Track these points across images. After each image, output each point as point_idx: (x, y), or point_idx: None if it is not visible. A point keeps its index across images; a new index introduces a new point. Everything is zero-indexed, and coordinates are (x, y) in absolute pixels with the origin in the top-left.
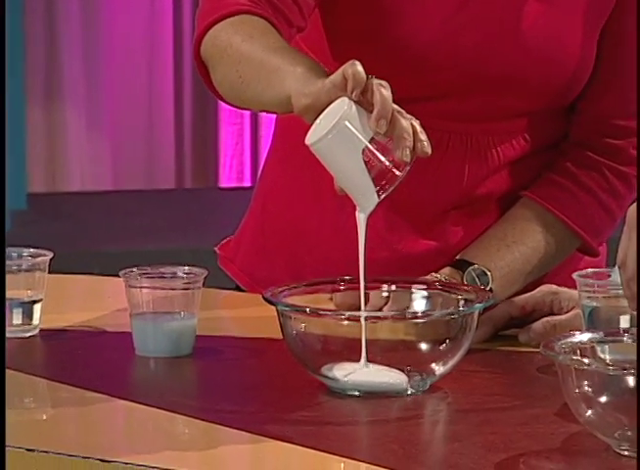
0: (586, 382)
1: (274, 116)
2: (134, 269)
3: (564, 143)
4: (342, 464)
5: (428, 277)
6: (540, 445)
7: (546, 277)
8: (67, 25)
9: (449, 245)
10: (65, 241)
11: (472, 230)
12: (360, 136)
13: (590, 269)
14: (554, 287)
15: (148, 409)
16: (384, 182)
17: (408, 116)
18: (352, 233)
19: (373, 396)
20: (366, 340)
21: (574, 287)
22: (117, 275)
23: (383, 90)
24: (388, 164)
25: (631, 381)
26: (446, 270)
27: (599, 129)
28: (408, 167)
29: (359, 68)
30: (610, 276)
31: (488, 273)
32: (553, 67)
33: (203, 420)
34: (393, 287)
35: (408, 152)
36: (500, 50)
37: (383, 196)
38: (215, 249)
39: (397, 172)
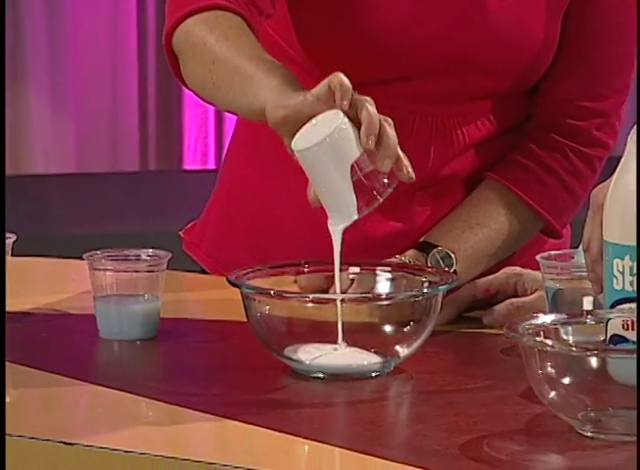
0: (550, 363)
1: None
2: (98, 252)
3: (528, 125)
4: (307, 446)
5: (392, 259)
6: (504, 426)
7: (510, 259)
8: (31, 8)
9: (414, 227)
10: (28, 224)
11: (437, 212)
12: (352, 150)
13: (553, 251)
14: (518, 269)
15: (111, 392)
16: (361, 204)
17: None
18: (318, 215)
19: (337, 378)
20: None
21: (538, 269)
22: (81, 258)
23: (369, 106)
24: (372, 184)
25: (594, 362)
26: (410, 253)
27: (562, 111)
28: (390, 190)
29: (344, 77)
30: (573, 258)
31: (452, 255)
32: (517, 49)
33: (167, 403)
34: (358, 269)
35: (390, 162)
36: (465, 33)
37: (357, 217)
38: (180, 233)
39: (378, 197)
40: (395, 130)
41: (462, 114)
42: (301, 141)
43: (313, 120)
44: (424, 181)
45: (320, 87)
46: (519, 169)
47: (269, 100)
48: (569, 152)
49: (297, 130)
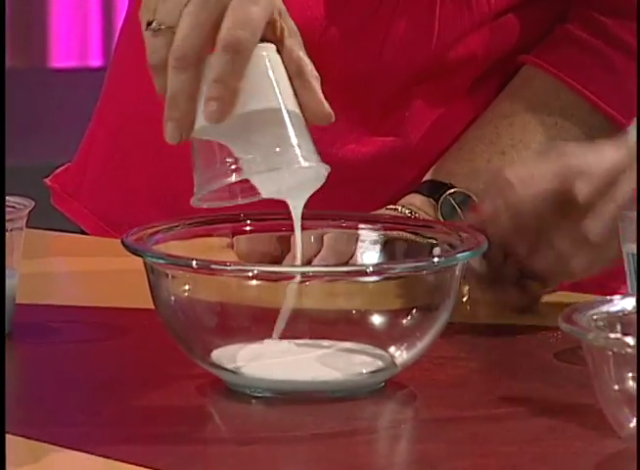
0: (631, 374)
1: None
2: None
3: None
4: None
5: (383, 211)
6: None
7: None
8: None
9: (411, 142)
10: None
11: (445, 120)
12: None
13: None
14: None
15: None
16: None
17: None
18: None
19: (296, 398)
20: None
21: None
22: None
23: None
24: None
25: None
26: (412, 199)
27: None
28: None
29: None
30: None
31: (475, 200)
32: None
33: (29, 438)
34: (329, 226)
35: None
36: None
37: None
38: (46, 181)
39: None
40: None
41: None
42: None
43: None
44: (426, 67)
45: None
46: (573, 47)
47: None
48: None
49: None
